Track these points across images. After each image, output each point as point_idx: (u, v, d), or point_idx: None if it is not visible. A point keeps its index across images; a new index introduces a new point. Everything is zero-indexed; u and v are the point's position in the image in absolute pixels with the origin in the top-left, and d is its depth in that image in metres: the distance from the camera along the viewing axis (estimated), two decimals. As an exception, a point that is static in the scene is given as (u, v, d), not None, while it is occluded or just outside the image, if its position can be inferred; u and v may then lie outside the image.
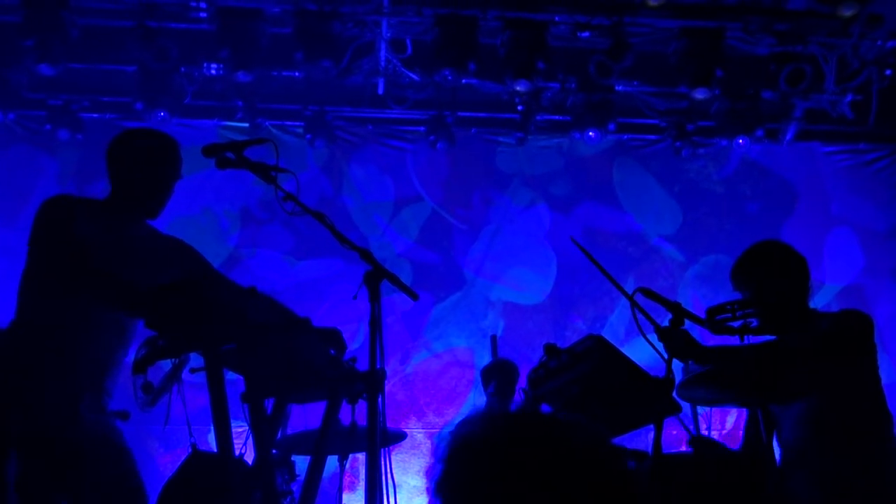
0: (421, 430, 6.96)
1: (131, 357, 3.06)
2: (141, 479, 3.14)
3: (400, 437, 4.85)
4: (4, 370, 2.98)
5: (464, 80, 6.62)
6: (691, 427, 3.99)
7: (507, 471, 1.28)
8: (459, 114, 7.33)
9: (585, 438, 1.33)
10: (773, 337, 3.50)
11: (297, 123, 7.34)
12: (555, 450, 1.30)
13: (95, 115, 7.14)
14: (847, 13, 6.39)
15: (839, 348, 3.10)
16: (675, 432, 6.74)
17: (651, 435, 2.98)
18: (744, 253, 3.47)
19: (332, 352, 3.17)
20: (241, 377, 3.16)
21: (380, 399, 3.03)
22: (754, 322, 3.20)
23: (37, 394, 2.93)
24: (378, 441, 3.00)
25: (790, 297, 3.35)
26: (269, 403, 3.21)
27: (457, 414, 6.98)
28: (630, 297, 2.93)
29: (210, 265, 3.42)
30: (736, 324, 3.10)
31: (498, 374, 5.77)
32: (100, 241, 3.07)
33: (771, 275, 3.35)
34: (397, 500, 3.09)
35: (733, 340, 3.15)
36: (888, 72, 6.89)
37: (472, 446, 1.35)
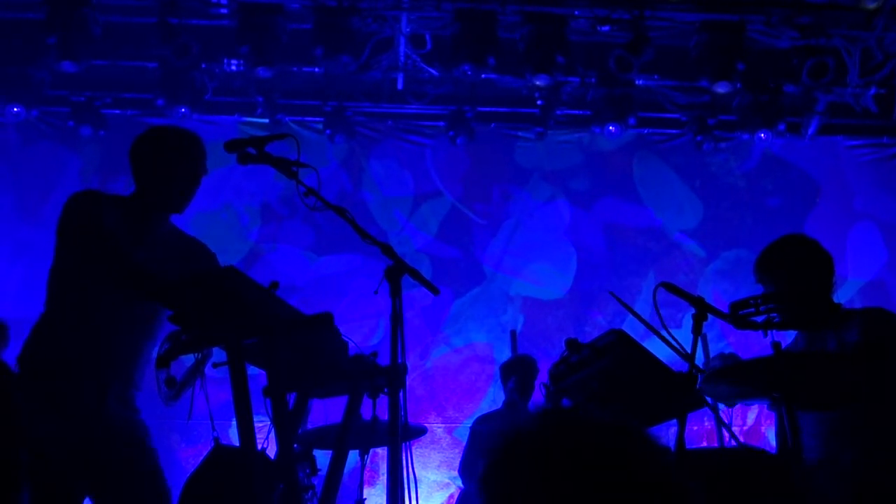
0: (441, 425, 6.97)
1: (154, 352, 3.08)
2: (164, 478, 3.15)
3: (420, 431, 4.86)
4: (33, 364, 3.01)
5: (483, 75, 6.61)
6: (712, 422, 3.96)
7: (552, 468, 1.28)
8: (479, 109, 7.31)
9: (638, 441, 1.32)
10: (796, 332, 3.47)
11: (317, 119, 7.36)
12: (601, 447, 1.29)
13: (117, 112, 7.19)
14: (871, 5, 6.31)
15: (874, 357, 3.06)
16: (695, 428, 6.72)
17: (673, 430, 2.96)
18: (769, 245, 3.44)
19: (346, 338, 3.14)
20: (263, 372, 3.17)
21: (401, 394, 3.03)
22: (777, 317, 3.17)
23: (64, 387, 2.96)
24: (399, 436, 3.00)
25: (814, 292, 3.32)
26: (291, 398, 3.22)
27: (476, 409, 6.98)
28: (675, 347, 2.91)
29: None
30: (759, 318, 3.07)
31: (517, 370, 5.78)
32: (124, 236, 3.09)
33: (796, 269, 3.32)
34: (418, 495, 3.09)
35: (757, 335, 3.12)
36: (913, 65, 6.81)
37: (519, 441, 1.34)
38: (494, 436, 1.36)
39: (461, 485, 5.93)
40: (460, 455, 5.92)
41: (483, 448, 5.52)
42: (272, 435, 3.08)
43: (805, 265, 3.35)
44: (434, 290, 3.15)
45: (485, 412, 6.22)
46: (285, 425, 3.11)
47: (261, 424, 2.97)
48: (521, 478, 1.29)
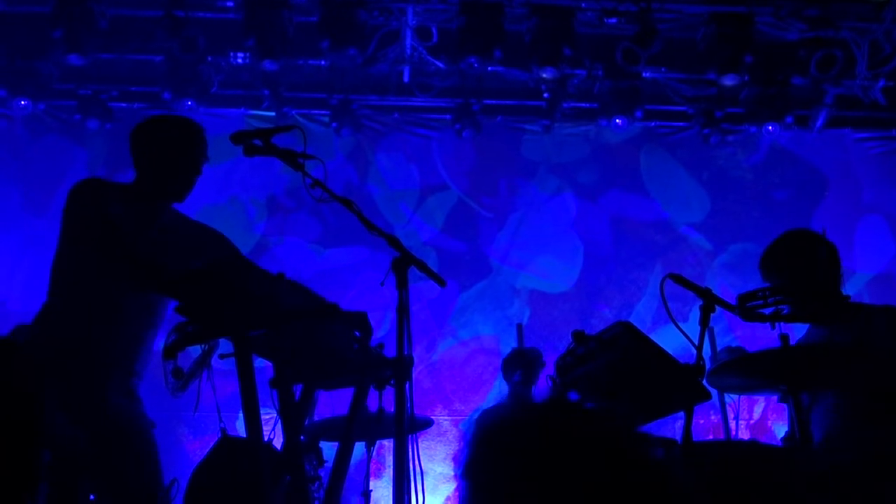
0: (447, 418, 6.97)
1: (161, 343, 3.09)
2: (160, 468, 3.15)
3: (427, 424, 4.87)
4: (36, 354, 3.01)
5: (490, 68, 6.59)
6: (719, 415, 3.95)
7: (534, 458, 1.28)
8: (485, 101, 7.30)
9: (613, 426, 1.32)
10: (807, 325, 3.45)
11: (324, 112, 7.36)
12: (582, 438, 1.29)
13: (124, 105, 7.20)
14: (880, -3, 6.28)
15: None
16: (701, 421, 6.71)
17: (680, 423, 2.96)
18: (773, 243, 3.42)
19: (357, 334, 3.16)
20: (270, 363, 3.18)
21: (407, 386, 3.03)
22: (786, 309, 3.15)
23: (65, 377, 2.96)
24: (405, 428, 3.00)
25: (823, 286, 3.30)
26: (298, 390, 3.23)
27: (483, 401, 6.98)
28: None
29: (238, 251, 3.43)
30: (767, 311, 3.06)
31: (521, 363, 5.77)
32: (130, 224, 3.10)
33: (802, 265, 3.30)
34: (424, 487, 3.09)
35: (764, 328, 3.11)
36: (922, 57, 6.76)
37: (500, 431, 1.35)
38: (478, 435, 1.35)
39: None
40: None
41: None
42: (279, 426, 3.08)
43: (811, 261, 3.33)
44: (440, 282, 3.15)
45: (488, 407, 6.23)
46: (292, 417, 3.12)
47: (267, 416, 2.97)
48: (502, 467, 1.29)
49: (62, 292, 3.11)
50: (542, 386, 5.73)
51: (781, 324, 3.08)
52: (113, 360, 3.09)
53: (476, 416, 5.94)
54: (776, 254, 3.39)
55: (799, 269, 3.31)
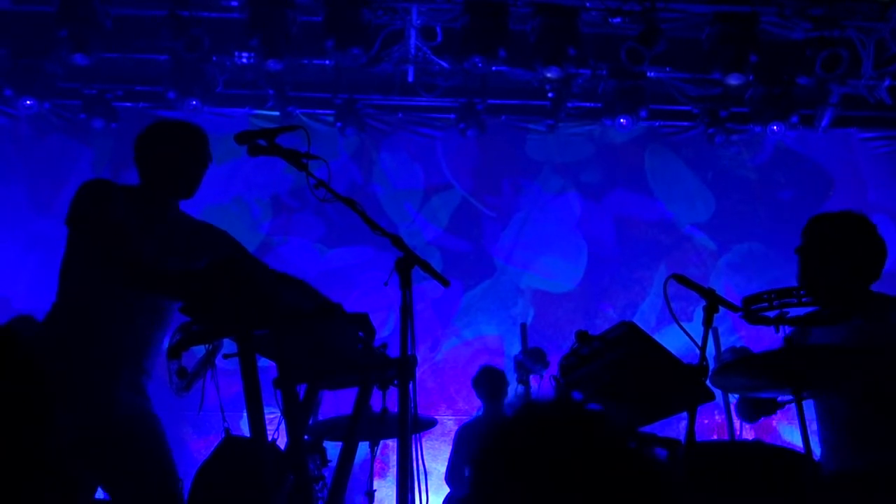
0: (451, 418, 6.97)
1: (166, 342, 3.09)
2: (174, 463, 3.16)
3: (430, 423, 4.88)
4: (44, 354, 3.02)
5: (494, 68, 6.59)
6: (723, 415, 3.94)
7: (536, 458, 1.28)
8: (489, 101, 7.30)
9: (615, 427, 1.32)
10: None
11: (328, 111, 7.37)
12: (584, 438, 1.29)
13: (129, 104, 7.22)
14: (885, -4, 6.26)
15: None
16: (706, 421, 6.70)
17: (684, 423, 2.95)
18: (831, 214, 3.38)
19: (361, 334, 3.16)
20: (274, 363, 3.18)
21: (411, 386, 3.03)
22: (791, 312, 3.12)
23: (74, 376, 2.97)
24: (409, 427, 3.00)
25: (857, 281, 3.28)
26: (302, 389, 3.23)
27: (486, 402, 6.98)
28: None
29: (245, 249, 3.43)
30: (772, 314, 3.04)
31: (488, 380, 5.87)
32: (135, 225, 3.10)
33: (847, 251, 3.29)
34: (427, 487, 3.09)
35: (769, 329, 3.09)
36: (927, 56, 6.74)
37: (502, 432, 1.35)
38: (479, 441, 1.36)
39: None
40: (448, 461, 5.97)
41: (468, 453, 5.59)
42: (283, 426, 3.09)
43: (859, 250, 3.31)
44: (444, 282, 3.14)
45: (469, 419, 6.32)
46: (296, 416, 3.11)
47: (271, 416, 2.98)
48: (504, 468, 1.29)
49: (70, 293, 3.12)
50: (546, 386, 5.74)
51: (786, 327, 3.06)
52: (122, 359, 3.10)
53: (469, 420, 5.98)
54: (831, 227, 3.34)
55: (841, 255, 3.28)
